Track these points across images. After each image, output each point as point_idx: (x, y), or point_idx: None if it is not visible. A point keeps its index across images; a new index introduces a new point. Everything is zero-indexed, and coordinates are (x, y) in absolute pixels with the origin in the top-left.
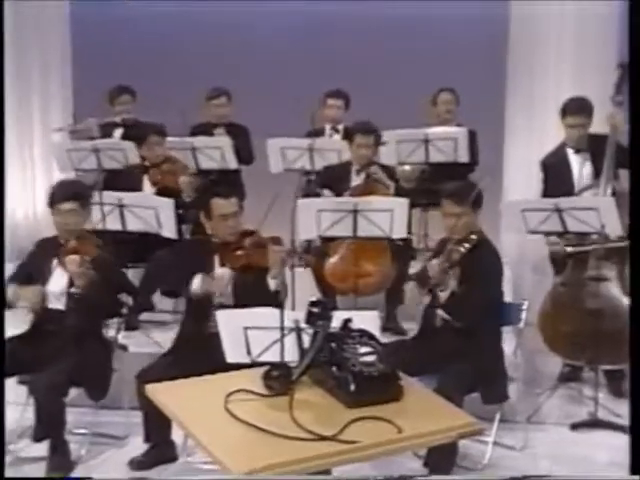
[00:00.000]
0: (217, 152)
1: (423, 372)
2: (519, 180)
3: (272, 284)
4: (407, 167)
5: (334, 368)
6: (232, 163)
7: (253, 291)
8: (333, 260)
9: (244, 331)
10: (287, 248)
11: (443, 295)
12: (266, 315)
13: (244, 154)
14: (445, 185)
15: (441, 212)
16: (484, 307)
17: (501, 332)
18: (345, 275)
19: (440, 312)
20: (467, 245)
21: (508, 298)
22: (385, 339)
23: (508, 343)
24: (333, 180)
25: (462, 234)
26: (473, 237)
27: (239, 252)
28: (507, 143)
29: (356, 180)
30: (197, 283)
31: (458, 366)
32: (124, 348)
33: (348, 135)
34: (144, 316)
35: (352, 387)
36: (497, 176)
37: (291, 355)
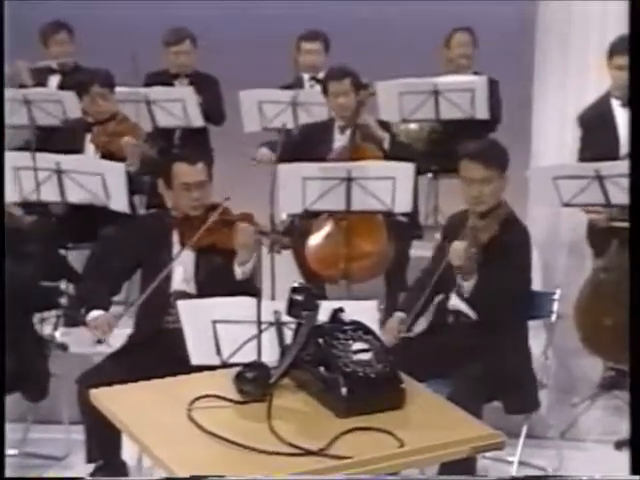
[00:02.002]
0: (178, 106)
1: (433, 375)
2: (551, 141)
3: (238, 272)
4: (413, 125)
5: (322, 368)
6: (197, 120)
7: (219, 279)
8: (317, 240)
9: (212, 326)
10: (258, 227)
11: (468, 285)
12: (240, 306)
13: (212, 110)
14: (464, 144)
15: (461, 177)
16: (510, 298)
17: (527, 327)
18: (333, 258)
19: (458, 304)
20: (496, 222)
21: (537, 286)
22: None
23: (537, 340)
24: (311, 142)
25: (489, 205)
26: (500, 210)
27: (203, 230)
28: (536, 94)
29: (340, 140)
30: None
31: (475, 368)
32: (63, 348)
33: (323, 86)
34: None
35: (343, 391)
36: (524, 136)
37: (270, 354)
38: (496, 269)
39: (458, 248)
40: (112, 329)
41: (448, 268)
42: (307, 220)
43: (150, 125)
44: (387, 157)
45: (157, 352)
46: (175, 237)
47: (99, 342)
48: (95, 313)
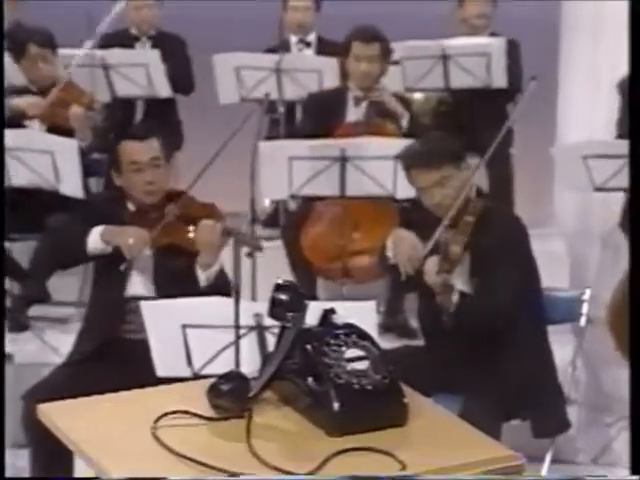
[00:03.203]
0: (140, 72)
1: (442, 389)
2: (581, 113)
3: (202, 278)
4: (418, 95)
5: (310, 380)
6: (163, 89)
7: (181, 284)
8: (313, 230)
9: (182, 331)
10: (224, 224)
11: (452, 305)
12: (214, 308)
13: (180, 77)
14: (402, 154)
15: (416, 190)
16: (506, 305)
17: (546, 333)
18: (333, 250)
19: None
20: (468, 227)
21: (563, 284)
22: (387, 343)
23: (563, 348)
24: (322, 115)
25: (456, 207)
26: (471, 209)
27: (161, 226)
28: (563, 58)
29: (354, 114)
30: (95, 237)
31: (489, 381)
32: (8, 358)
33: (345, 46)
34: (36, 311)
35: (335, 406)
36: (548, 107)
37: (249, 363)
38: (483, 276)
39: (430, 269)
40: None
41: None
42: (305, 205)
43: (108, 94)
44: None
45: (115, 363)
46: None
47: None
48: (99, 228)
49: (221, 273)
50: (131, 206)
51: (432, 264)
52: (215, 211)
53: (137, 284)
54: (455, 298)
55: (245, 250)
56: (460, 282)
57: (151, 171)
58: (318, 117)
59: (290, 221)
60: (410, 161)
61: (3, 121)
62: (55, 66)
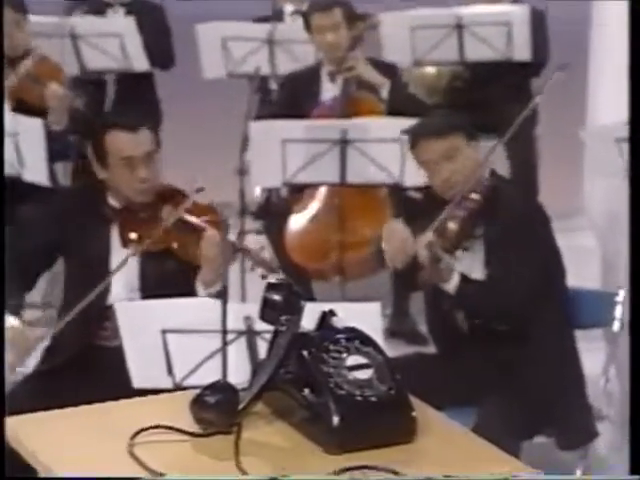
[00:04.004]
0: (114, 43)
1: (455, 402)
2: (614, 91)
3: (202, 294)
4: (430, 69)
5: (307, 390)
6: (140, 62)
7: (174, 292)
8: (302, 222)
9: (162, 336)
10: (231, 240)
11: (451, 287)
12: (198, 310)
13: (158, 48)
14: (412, 126)
15: (421, 165)
16: (524, 294)
17: (574, 339)
18: (322, 247)
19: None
20: (476, 196)
21: (594, 284)
22: (393, 350)
23: (594, 356)
24: (298, 96)
25: (465, 186)
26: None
27: (153, 227)
28: (595, 28)
29: (330, 91)
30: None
31: (509, 393)
32: None
33: (306, 22)
34: None
35: (335, 420)
36: (578, 84)
37: (238, 372)
38: (494, 262)
39: (423, 243)
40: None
41: None
42: (289, 196)
43: (77, 67)
44: (389, 112)
45: (89, 374)
46: (114, 232)
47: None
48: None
49: (224, 292)
50: (114, 202)
51: (426, 238)
52: (219, 218)
53: (121, 289)
54: (455, 281)
55: (252, 270)
56: (470, 270)
57: (144, 167)
58: (291, 99)
59: (273, 215)
60: (417, 131)
61: (3, 121)
62: (27, 34)
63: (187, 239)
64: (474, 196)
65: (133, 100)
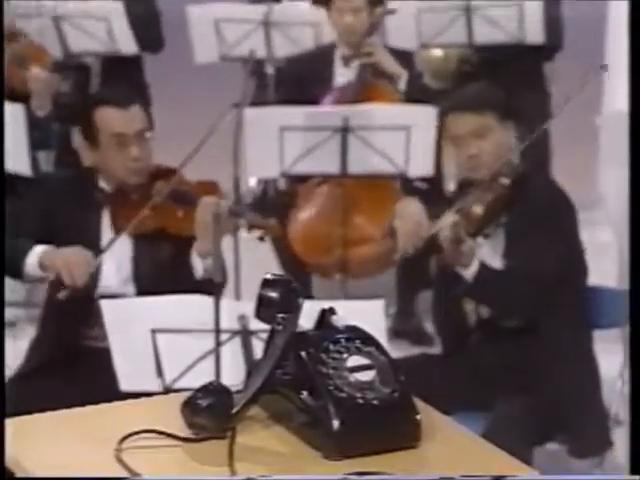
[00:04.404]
0: (100, 26)
1: (464, 406)
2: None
3: (199, 267)
4: (437, 52)
5: (305, 393)
6: (127, 45)
7: (170, 277)
8: (307, 214)
9: (152, 336)
10: (226, 203)
11: (469, 273)
12: (190, 308)
13: (147, 31)
14: (448, 96)
15: (448, 140)
16: (544, 288)
17: (591, 339)
18: (325, 241)
19: (469, 304)
20: (505, 180)
21: (609, 280)
22: (397, 351)
23: (610, 358)
24: (304, 80)
25: (492, 169)
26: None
27: (146, 208)
28: (614, 9)
29: (343, 76)
30: (34, 261)
31: (519, 396)
32: None
33: (326, 1)
34: None
35: (335, 424)
36: (595, 68)
37: (233, 373)
38: (515, 250)
39: (445, 225)
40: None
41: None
42: (289, 187)
43: (60, 50)
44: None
45: (76, 377)
46: (105, 218)
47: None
48: (40, 248)
49: (221, 264)
50: (106, 186)
51: (448, 219)
52: (213, 188)
53: (110, 279)
54: (474, 267)
55: (253, 235)
56: (488, 258)
57: (138, 145)
58: (298, 84)
59: (275, 206)
60: (448, 104)
61: (3, 122)
62: (10, 16)
63: (180, 213)
64: (503, 180)
65: (118, 81)
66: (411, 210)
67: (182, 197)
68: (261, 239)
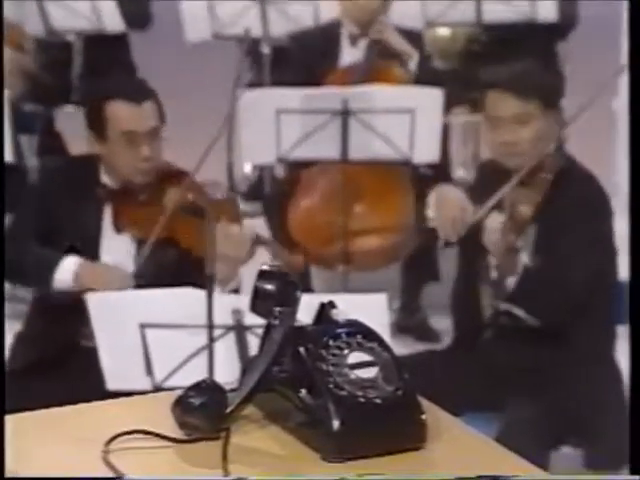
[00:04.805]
0: (84, 2)
1: (474, 406)
2: None
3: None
4: (442, 32)
5: (303, 391)
6: (113, 22)
7: (175, 284)
8: (305, 204)
9: (141, 331)
10: (254, 232)
11: (508, 280)
12: (182, 302)
13: (134, 7)
14: (489, 70)
15: (485, 118)
16: (580, 292)
17: (614, 338)
18: (328, 231)
19: (503, 305)
20: (542, 185)
21: (624, 273)
22: (401, 347)
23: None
24: (308, 59)
25: (528, 158)
26: (548, 167)
27: (153, 212)
28: None
29: (349, 55)
30: (67, 274)
31: (536, 397)
32: None
33: None
34: None
35: (335, 424)
36: (612, 47)
37: (226, 371)
38: (551, 249)
39: (493, 227)
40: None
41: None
42: (288, 174)
43: (42, 27)
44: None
45: (65, 377)
46: (107, 215)
47: None
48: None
49: (210, 282)
50: (110, 182)
51: (495, 221)
52: (234, 207)
53: None
54: (519, 270)
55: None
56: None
57: (149, 144)
58: (303, 63)
59: (274, 193)
60: (494, 79)
61: (3, 119)
62: None
63: (191, 225)
64: (547, 176)
65: (104, 66)
66: (452, 196)
67: (194, 211)
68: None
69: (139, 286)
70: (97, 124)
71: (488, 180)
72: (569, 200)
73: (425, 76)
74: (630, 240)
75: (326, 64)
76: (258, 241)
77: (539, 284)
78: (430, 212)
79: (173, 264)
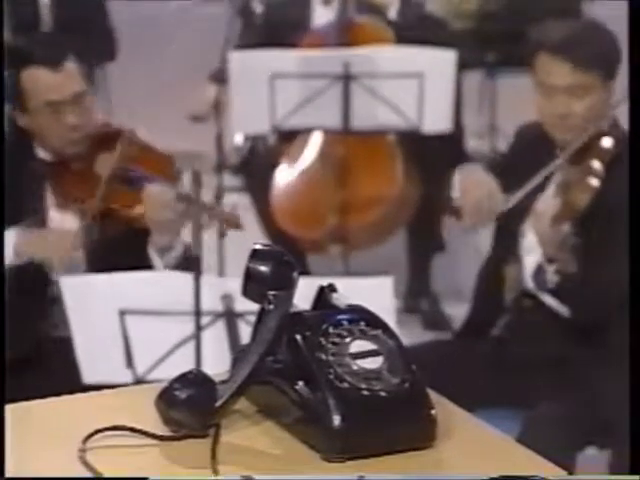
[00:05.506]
0: None
1: (492, 402)
2: None
3: (158, 263)
4: None
5: (300, 384)
6: None
7: (125, 263)
8: (292, 180)
9: (120, 319)
10: (177, 191)
11: (554, 272)
12: (166, 286)
13: None
14: (541, 27)
15: (536, 83)
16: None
17: None
18: (317, 210)
19: (536, 290)
20: (599, 166)
21: None
22: (408, 335)
23: None
24: (281, 24)
25: (583, 132)
26: (605, 143)
27: (92, 183)
28: None
29: (323, 16)
30: (16, 243)
31: (563, 395)
32: None
33: None
34: None
35: (336, 420)
36: None
37: (216, 361)
38: (598, 240)
39: (543, 213)
40: None
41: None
42: (276, 145)
43: None
44: (400, 39)
45: (32, 368)
46: (49, 193)
47: None
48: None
49: (186, 254)
50: (45, 155)
51: (548, 205)
52: (169, 168)
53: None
54: (573, 267)
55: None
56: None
57: (73, 112)
58: (272, 27)
59: (257, 169)
60: (541, 40)
61: (3, 123)
62: None
63: (130, 195)
64: (603, 156)
65: (76, 27)
66: (476, 178)
67: (128, 179)
68: (222, 235)
69: (91, 267)
70: (18, 96)
71: (527, 150)
72: (617, 187)
73: (409, 25)
74: (630, 240)
75: (297, 28)
76: (182, 199)
77: (584, 277)
78: (455, 193)
79: (119, 239)
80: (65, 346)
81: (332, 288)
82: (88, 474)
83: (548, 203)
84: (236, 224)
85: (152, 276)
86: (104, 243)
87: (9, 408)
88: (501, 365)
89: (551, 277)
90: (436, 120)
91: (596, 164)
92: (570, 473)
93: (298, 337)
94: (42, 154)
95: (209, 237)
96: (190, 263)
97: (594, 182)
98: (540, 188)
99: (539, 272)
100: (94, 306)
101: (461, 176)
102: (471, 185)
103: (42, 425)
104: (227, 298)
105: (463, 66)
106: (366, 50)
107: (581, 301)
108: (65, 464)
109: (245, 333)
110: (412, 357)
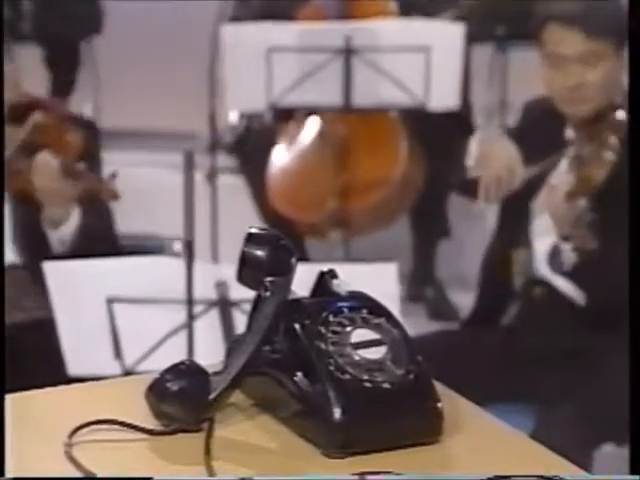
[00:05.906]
0: None
1: (504, 396)
2: None
3: (54, 239)
4: None
5: (299, 375)
6: None
7: (40, 248)
8: (288, 161)
9: (108, 307)
10: (62, 162)
11: (570, 254)
12: (157, 273)
13: None
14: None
15: (545, 55)
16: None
17: None
18: (315, 193)
19: (550, 275)
20: (614, 139)
21: None
22: (413, 324)
23: None
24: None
25: (596, 104)
26: (621, 114)
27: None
28: None
29: None
30: None
31: (580, 389)
32: None
33: None
34: None
35: (337, 414)
36: None
37: (209, 352)
38: (609, 227)
39: (557, 189)
40: None
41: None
42: (272, 123)
43: None
44: (403, 12)
45: (12, 358)
46: None
47: None
48: None
49: (84, 230)
50: None
51: (561, 181)
52: (65, 137)
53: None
54: (591, 244)
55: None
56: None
57: None
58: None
59: (252, 149)
60: (562, 10)
61: (3, 122)
62: None
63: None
64: (617, 132)
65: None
66: (498, 147)
67: (28, 151)
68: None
69: (21, 253)
70: None
71: (535, 126)
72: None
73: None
74: (630, 240)
75: (294, 2)
76: (68, 171)
77: (602, 260)
78: (471, 161)
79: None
80: (47, 332)
81: (332, 274)
82: (74, 471)
83: (562, 179)
84: (114, 195)
85: (142, 262)
86: (23, 223)
87: None
88: (511, 356)
89: (568, 258)
90: (443, 96)
91: (611, 138)
92: (587, 472)
93: (296, 326)
94: None
95: (201, 220)
96: (91, 241)
97: (610, 156)
98: (552, 164)
99: (554, 254)
100: (80, 294)
101: (481, 143)
102: (492, 153)
103: (25, 419)
104: (221, 285)
105: (472, 39)
106: (369, 23)
107: (600, 283)
108: (50, 460)
109: (240, 322)
110: (417, 348)
